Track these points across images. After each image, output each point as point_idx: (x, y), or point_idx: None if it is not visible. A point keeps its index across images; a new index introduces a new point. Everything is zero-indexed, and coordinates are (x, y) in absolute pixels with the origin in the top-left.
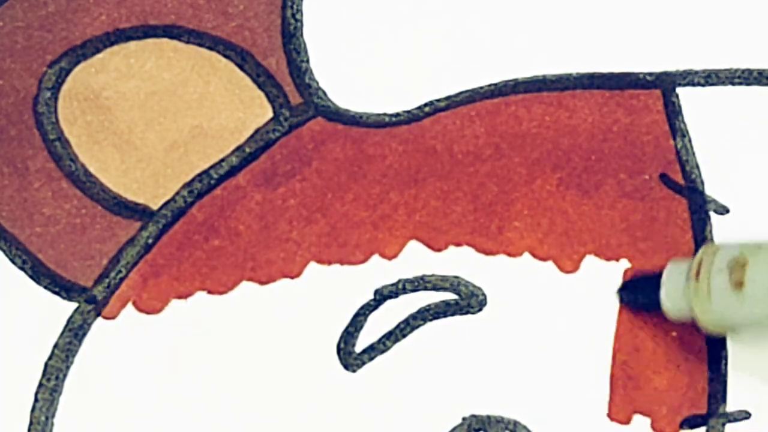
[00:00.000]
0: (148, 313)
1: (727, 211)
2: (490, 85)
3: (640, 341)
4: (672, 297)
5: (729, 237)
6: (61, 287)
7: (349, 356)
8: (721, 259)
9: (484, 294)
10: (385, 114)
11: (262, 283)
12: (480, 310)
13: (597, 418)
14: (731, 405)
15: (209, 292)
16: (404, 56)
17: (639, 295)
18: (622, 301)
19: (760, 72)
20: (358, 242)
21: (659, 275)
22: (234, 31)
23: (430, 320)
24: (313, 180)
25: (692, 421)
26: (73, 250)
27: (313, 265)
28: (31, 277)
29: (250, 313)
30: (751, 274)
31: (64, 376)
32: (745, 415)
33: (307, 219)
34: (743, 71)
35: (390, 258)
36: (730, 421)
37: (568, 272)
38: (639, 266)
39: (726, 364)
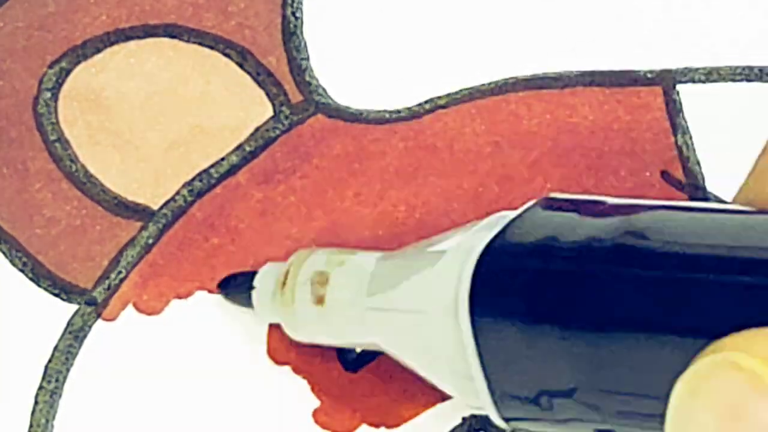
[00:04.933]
0: (148, 314)
1: None
2: (490, 83)
3: None
4: (262, 303)
5: None
6: (61, 289)
7: (350, 356)
8: (306, 271)
9: None
10: (385, 111)
11: None
12: None
13: None
14: None
15: (209, 291)
16: (404, 53)
17: (236, 292)
18: (222, 294)
19: (761, 69)
20: (359, 240)
21: (254, 275)
22: (234, 29)
23: None
24: (314, 177)
25: None
26: (73, 252)
27: None
28: (31, 279)
29: (250, 313)
30: (331, 290)
31: (64, 378)
32: None
33: (308, 216)
34: (744, 68)
35: None
36: None
37: None
38: None
39: None
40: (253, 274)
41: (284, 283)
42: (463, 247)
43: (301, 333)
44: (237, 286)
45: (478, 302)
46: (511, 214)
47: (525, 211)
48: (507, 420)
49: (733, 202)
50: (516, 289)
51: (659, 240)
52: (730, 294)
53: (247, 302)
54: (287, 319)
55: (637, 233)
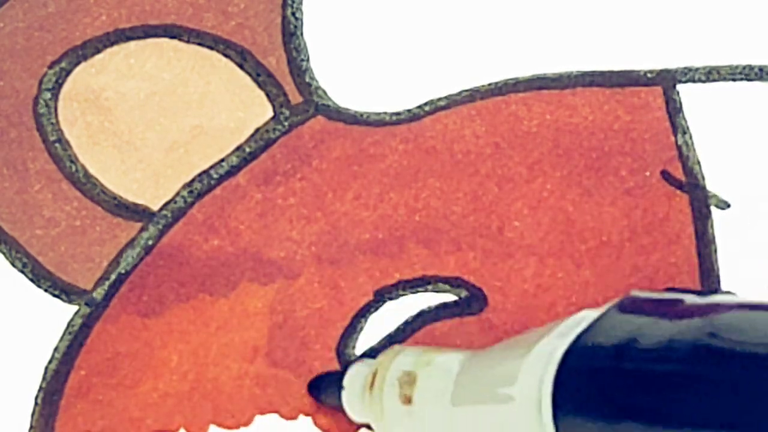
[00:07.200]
0: (148, 315)
1: (728, 206)
2: (490, 84)
3: None
4: (351, 403)
5: (730, 232)
6: (61, 290)
7: (350, 358)
8: (393, 371)
9: (484, 295)
10: (385, 113)
11: (262, 283)
12: (480, 311)
13: None
14: None
15: (210, 293)
16: (404, 55)
17: (325, 393)
18: (312, 396)
19: (761, 68)
20: (358, 242)
21: (343, 375)
22: (234, 30)
23: (431, 322)
24: (314, 179)
25: None
26: (73, 253)
27: (313, 265)
28: (31, 279)
29: (249, 314)
30: (418, 390)
31: (65, 379)
32: None
33: (307, 218)
34: (744, 67)
35: (391, 258)
36: None
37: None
38: (642, 262)
39: None
40: (342, 374)
41: (372, 384)
42: (546, 350)
43: (388, 428)
44: (327, 388)
45: (561, 402)
46: (592, 315)
47: (605, 314)
48: None
49: None
50: (598, 389)
51: (740, 341)
52: None
53: (338, 402)
54: (376, 419)
55: (717, 335)
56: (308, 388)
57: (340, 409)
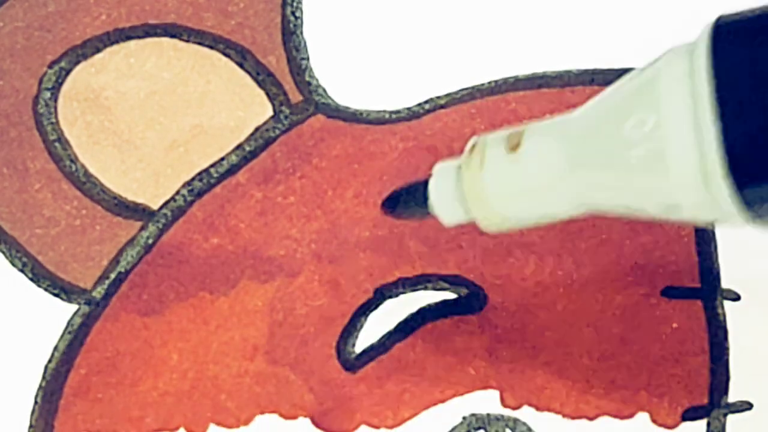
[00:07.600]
0: (148, 314)
1: None
2: (490, 82)
3: (640, 332)
4: (443, 190)
5: (731, 230)
6: (61, 289)
7: (349, 356)
8: (499, 133)
9: (484, 293)
10: (385, 111)
11: (262, 281)
12: (480, 309)
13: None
14: (733, 396)
15: (210, 292)
16: (404, 53)
17: (407, 200)
18: (388, 211)
19: None
20: (358, 240)
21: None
22: (234, 29)
23: (431, 320)
24: (314, 177)
25: (693, 413)
26: (73, 252)
27: (313, 263)
28: (30, 279)
29: (249, 313)
30: (528, 135)
31: (64, 378)
32: (747, 406)
33: (307, 216)
34: None
35: (390, 256)
36: (732, 412)
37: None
38: (642, 262)
39: (728, 355)
40: (425, 181)
41: (472, 150)
42: (681, 47)
43: (491, 200)
44: (409, 193)
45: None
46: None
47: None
48: (750, 205)
49: None
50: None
51: None
52: None
53: (421, 208)
54: (475, 189)
55: None
56: (383, 206)
57: (422, 213)
